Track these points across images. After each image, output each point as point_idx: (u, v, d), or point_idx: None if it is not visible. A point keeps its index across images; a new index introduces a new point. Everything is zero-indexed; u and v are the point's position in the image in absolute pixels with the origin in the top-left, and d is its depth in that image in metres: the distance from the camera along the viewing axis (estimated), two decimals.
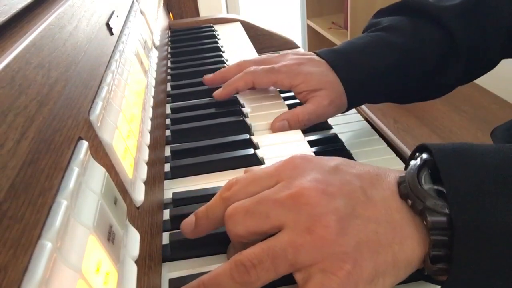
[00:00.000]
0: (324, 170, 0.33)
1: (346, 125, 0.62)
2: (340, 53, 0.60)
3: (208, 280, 0.31)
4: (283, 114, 0.58)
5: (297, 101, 0.62)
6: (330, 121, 0.60)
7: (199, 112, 0.60)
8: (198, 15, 1.40)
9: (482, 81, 1.39)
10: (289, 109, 0.62)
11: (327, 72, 0.58)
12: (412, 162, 0.33)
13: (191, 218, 0.37)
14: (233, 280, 0.30)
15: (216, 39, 0.92)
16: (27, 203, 0.21)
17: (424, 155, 0.32)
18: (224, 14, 1.12)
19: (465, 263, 0.29)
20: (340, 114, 0.63)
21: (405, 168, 0.33)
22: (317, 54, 0.61)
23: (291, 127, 0.57)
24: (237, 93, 0.63)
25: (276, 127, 0.57)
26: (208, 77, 0.65)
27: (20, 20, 0.32)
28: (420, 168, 0.32)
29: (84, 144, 0.29)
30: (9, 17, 0.30)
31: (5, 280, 0.18)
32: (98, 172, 0.29)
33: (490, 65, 0.63)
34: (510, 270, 0.29)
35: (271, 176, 0.35)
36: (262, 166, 0.49)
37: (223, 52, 0.85)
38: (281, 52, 0.63)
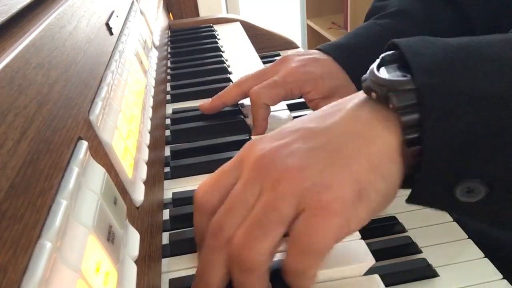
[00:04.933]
0: (279, 135, 0.32)
1: None
2: (346, 48, 0.55)
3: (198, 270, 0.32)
4: None
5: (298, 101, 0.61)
6: None
7: (199, 112, 0.60)
8: (198, 15, 1.40)
9: None
10: (289, 107, 0.62)
11: (336, 72, 0.54)
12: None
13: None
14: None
15: (216, 39, 0.92)
16: (27, 203, 0.21)
17: (388, 51, 0.31)
18: (224, 14, 1.12)
19: (438, 134, 0.27)
20: None
21: None
22: (322, 50, 0.56)
23: None
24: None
25: None
26: (205, 105, 0.58)
27: (20, 20, 0.32)
28: (382, 60, 0.31)
29: (84, 144, 0.29)
30: (9, 17, 0.30)
31: (5, 280, 0.18)
32: (98, 172, 0.29)
33: None
34: (481, 133, 0.27)
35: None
36: None
37: (223, 52, 0.85)
38: (281, 54, 0.60)
